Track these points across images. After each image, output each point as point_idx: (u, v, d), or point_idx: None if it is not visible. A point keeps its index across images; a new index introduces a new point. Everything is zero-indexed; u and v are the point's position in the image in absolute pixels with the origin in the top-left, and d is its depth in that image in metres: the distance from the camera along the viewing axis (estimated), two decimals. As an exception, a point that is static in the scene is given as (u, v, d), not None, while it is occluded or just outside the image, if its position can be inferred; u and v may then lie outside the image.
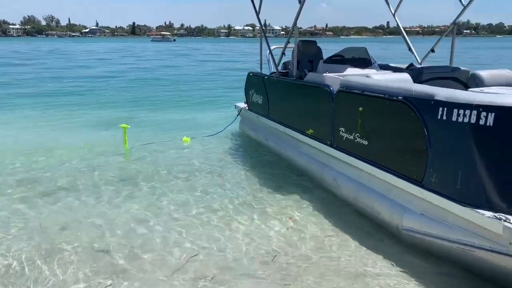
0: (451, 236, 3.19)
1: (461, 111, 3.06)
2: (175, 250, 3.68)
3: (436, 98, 3.28)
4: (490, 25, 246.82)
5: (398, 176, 3.74)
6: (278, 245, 3.77)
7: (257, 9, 7.03)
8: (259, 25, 7.13)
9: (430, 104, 3.32)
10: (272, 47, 7.13)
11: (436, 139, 3.30)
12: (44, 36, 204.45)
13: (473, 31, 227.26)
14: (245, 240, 3.87)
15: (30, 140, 7.58)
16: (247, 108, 7.83)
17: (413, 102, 3.49)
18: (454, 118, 3.11)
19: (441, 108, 3.21)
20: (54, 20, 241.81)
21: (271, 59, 6.97)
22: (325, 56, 6.26)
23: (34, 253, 3.62)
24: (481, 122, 2.96)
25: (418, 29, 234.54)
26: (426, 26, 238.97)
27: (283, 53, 6.34)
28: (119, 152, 6.80)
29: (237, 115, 8.31)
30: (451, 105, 3.14)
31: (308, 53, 6.75)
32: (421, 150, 3.42)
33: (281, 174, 5.69)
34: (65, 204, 4.70)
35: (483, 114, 2.95)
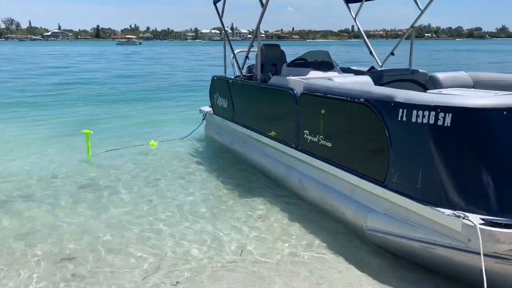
0: (413, 235, 3.24)
1: (420, 112, 3.12)
2: (141, 256, 3.58)
3: (395, 99, 3.34)
4: (449, 28, 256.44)
5: (361, 177, 3.79)
6: (246, 247, 3.74)
7: (220, 13, 7.03)
8: (222, 29, 7.12)
9: (390, 105, 3.38)
10: (236, 51, 7.12)
11: (397, 140, 3.35)
12: (3, 39, 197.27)
13: (434, 34, 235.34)
14: (212, 243, 3.83)
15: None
16: (212, 112, 7.78)
17: (374, 104, 3.55)
18: (413, 119, 3.17)
19: (401, 110, 3.27)
20: (14, 23, 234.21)
21: (235, 62, 6.95)
22: (289, 59, 6.29)
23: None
24: (439, 122, 3.03)
25: (382, 32, 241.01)
26: (389, 29, 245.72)
27: (246, 57, 6.34)
28: (81, 159, 6.60)
29: (203, 120, 8.25)
30: (410, 107, 3.20)
31: (272, 57, 6.78)
32: (383, 151, 3.48)
33: (247, 177, 5.67)
34: (25, 213, 4.52)
35: (441, 115, 3.02)
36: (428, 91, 4.44)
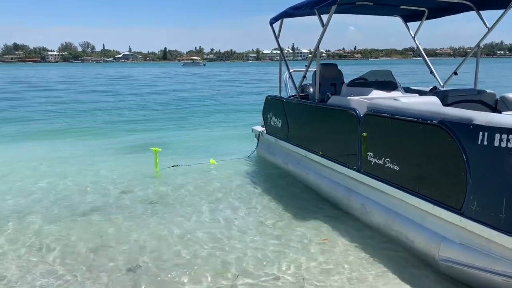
0: (495, 268, 2.98)
1: (504, 136, 2.88)
2: (207, 274, 3.61)
3: (474, 122, 3.13)
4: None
5: (433, 203, 3.55)
6: (310, 273, 3.62)
7: (277, 33, 7.07)
8: (279, 49, 7.17)
9: (469, 128, 3.16)
10: (291, 70, 7.10)
11: (476, 165, 3.12)
12: (80, 61, 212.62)
13: (508, 52, 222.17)
14: (276, 264, 3.78)
15: (63, 163, 7.73)
16: (264, 131, 7.77)
17: (449, 127, 3.33)
18: (496, 143, 2.94)
19: (481, 133, 3.04)
20: (90, 46, 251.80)
21: (291, 82, 6.90)
22: (349, 78, 6.14)
23: (66, 275, 3.62)
24: (526, 147, 2.78)
25: (449, 50, 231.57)
26: (457, 47, 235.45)
27: (304, 77, 6.26)
28: (150, 175, 6.85)
29: (258, 140, 8.21)
30: (492, 130, 2.97)
31: (329, 76, 6.66)
32: (460, 176, 3.24)
33: (305, 198, 5.56)
34: (97, 225, 4.73)
35: None
36: (503, 112, 4.13)
